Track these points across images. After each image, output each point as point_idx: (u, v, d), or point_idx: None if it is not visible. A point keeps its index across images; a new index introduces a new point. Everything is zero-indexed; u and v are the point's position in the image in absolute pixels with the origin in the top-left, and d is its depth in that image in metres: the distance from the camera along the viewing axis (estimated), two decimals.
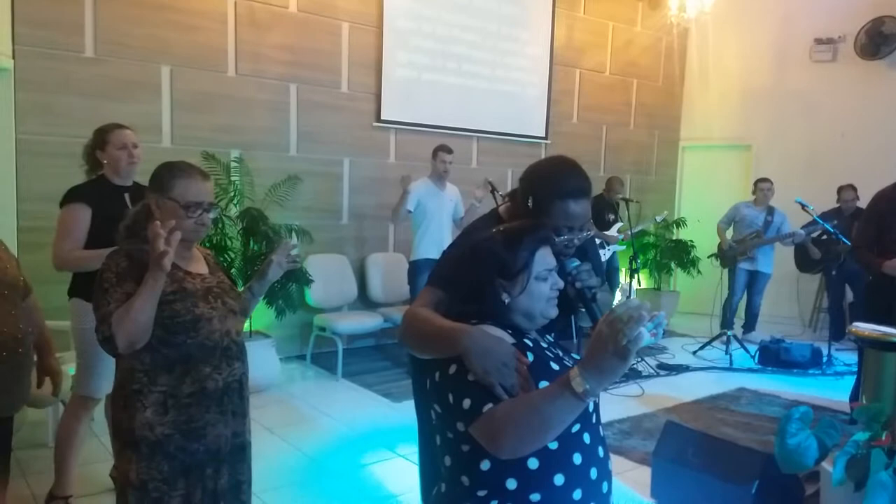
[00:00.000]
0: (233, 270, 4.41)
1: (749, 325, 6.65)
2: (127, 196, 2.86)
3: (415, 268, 5.02)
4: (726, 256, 6.49)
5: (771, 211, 6.38)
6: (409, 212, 5.01)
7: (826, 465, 2.59)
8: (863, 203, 5.40)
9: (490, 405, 1.20)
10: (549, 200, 1.62)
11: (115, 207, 2.78)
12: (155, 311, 1.68)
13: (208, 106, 5.02)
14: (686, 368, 5.65)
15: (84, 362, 2.77)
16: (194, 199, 1.80)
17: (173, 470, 1.76)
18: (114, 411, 1.82)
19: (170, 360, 1.75)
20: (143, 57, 4.74)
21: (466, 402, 1.22)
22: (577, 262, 1.59)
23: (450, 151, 5.08)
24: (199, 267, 1.90)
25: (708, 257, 7.06)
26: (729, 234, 6.60)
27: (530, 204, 1.65)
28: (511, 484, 1.24)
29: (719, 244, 6.59)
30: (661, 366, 5.62)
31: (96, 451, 3.39)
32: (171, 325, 1.74)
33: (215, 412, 1.82)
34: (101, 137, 2.85)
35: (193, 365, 1.78)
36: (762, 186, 6.38)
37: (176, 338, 1.75)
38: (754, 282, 6.49)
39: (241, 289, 2.08)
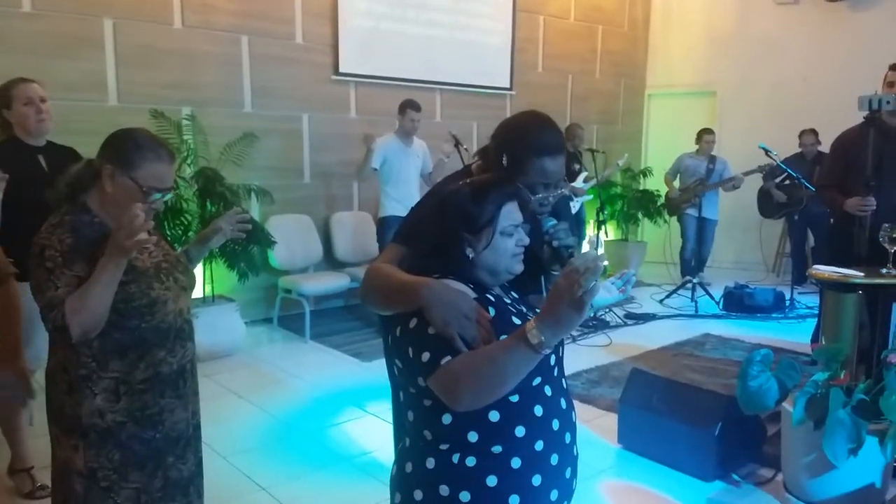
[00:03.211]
0: (189, 233, 4.27)
1: (697, 268, 6.76)
2: (41, 157, 2.67)
3: (383, 225, 4.98)
4: (672, 204, 6.74)
5: (713, 160, 6.59)
6: (375, 169, 4.92)
7: (787, 406, 2.64)
8: (824, 147, 5.44)
9: (448, 357, 1.18)
10: (524, 157, 1.57)
11: (28, 170, 2.61)
12: (112, 298, 1.55)
13: (155, 61, 4.77)
14: (653, 317, 5.73)
15: None
16: (157, 184, 1.64)
17: (125, 459, 1.66)
18: (53, 394, 1.68)
19: (122, 345, 1.63)
20: (84, 10, 4.46)
21: (425, 355, 1.21)
22: (553, 221, 1.57)
23: (418, 109, 4.97)
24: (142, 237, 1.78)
25: (662, 208, 7.26)
26: (677, 184, 6.78)
27: (505, 161, 1.60)
28: (472, 437, 1.24)
29: (667, 193, 6.83)
30: (629, 315, 5.68)
31: None
32: (126, 310, 1.61)
33: (171, 397, 1.72)
34: (6, 94, 2.65)
35: (147, 349, 1.66)
36: (707, 139, 6.61)
37: (129, 322, 1.63)
38: (702, 229, 6.65)
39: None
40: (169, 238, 4.03)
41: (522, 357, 1.11)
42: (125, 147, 1.63)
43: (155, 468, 1.71)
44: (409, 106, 4.96)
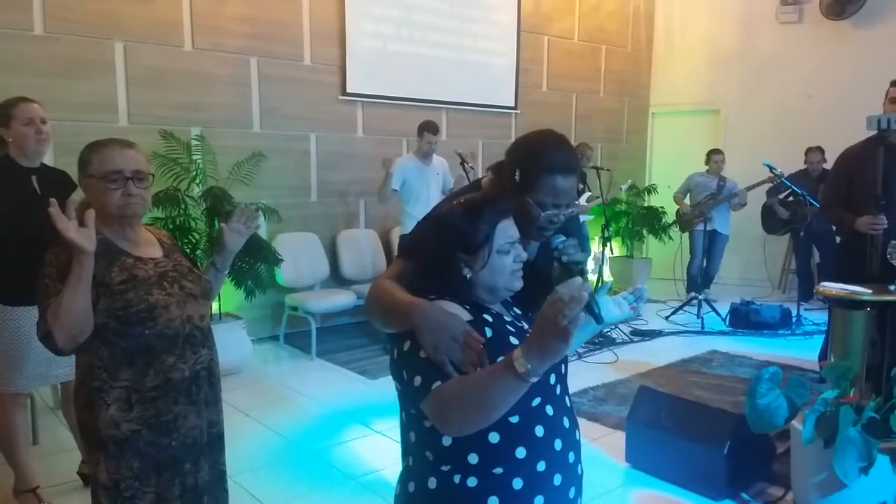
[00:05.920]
0: (198, 252, 4.30)
1: (704, 284, 6.75)
2: (34, 178, 2.60)
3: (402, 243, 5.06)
4: (683, 221, 6.73)
5: (723, 179, 6.62)
6: (395, 191, 5.02)
7: (796, 424, 2.62)
8: (829, 165, 5.45)
9: (438, 383, 1.17)
10: (536, 174, 1.57)
11: (21, 192, 2.56)
12: (88, 300, 1.58)
13: (165, 82, 4.84)
14: (659, 334, 5.71)
15: (1, 358, 2.59)
16: (111, 167, 1.67)
17: (145, 466, 1.69)
18: (78, 410, 1.73)
19: (129, 353, 1.67)
20: (96, 33, 4.54)
21: (417, 380, 1.20)
22: (562, 238, 1.57)
23: (435, 132, 5.07)
24: (152, 251, 1.79)
25: (667, 226, 7.28)
26: (687, 202, 6.78)
27: (517, 177, 1.60)
28: (473, 458, 1.23)
29: (677, 211, 6.82)
30: (635, 332, 5.67)
31: (62, 441, 3.31)
32: (126, 317, 1.65)
33: (185, 403, 1.74)
34: (5, 112, 2.57)
35: (155, 356, 1.69)
36: (716, 158, 6.65)
37: (133, 329, 1.66)
38: (712, 243, 6.63)
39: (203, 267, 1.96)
40: None
41: (509, 385, 1.07)
42: (81, 154, 1.73)
43: (173, 475, 1.73)
44: (426, 129, 5.05)
